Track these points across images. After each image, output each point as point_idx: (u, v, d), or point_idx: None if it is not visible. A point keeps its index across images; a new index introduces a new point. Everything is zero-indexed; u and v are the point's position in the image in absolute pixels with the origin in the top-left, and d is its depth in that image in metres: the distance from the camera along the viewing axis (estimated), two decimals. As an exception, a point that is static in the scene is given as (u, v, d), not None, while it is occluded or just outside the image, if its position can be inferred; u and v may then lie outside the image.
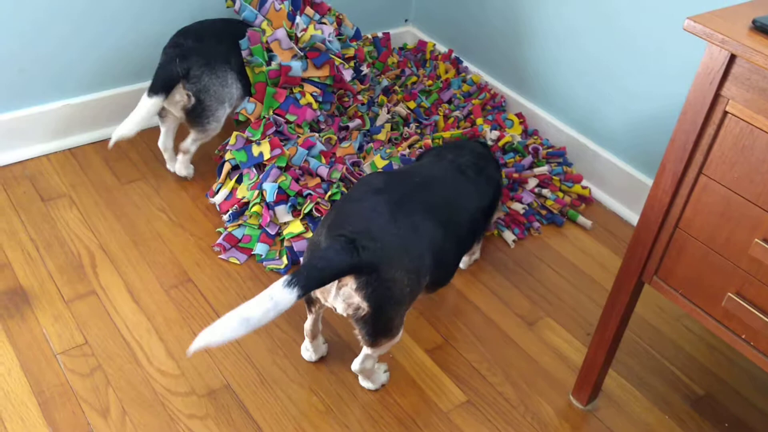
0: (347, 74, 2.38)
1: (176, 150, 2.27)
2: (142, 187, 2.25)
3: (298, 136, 2.24)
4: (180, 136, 2.27)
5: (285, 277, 1.35)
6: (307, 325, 1.71)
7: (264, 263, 2.04)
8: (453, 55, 2.82)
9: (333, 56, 2.33)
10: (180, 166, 2.27)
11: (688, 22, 1.22)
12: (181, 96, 2.10)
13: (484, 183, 1.82)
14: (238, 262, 2.03)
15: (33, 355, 1.73)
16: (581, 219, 2.30)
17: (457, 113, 2.57)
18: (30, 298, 1.87)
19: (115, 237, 2.07)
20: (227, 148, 2.20)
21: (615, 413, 1.76)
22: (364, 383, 1.74)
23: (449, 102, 2.65)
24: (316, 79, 2.31)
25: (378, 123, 2.48)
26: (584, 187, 2.40)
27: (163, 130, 2.25)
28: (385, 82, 2.64)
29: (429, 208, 1.57)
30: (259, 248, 2.05)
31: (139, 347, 1.78)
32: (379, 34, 2.89)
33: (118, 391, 1.67)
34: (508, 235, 2.20)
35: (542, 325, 1.97)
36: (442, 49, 2.88)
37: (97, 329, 1.81)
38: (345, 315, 1.51)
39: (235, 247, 2.07)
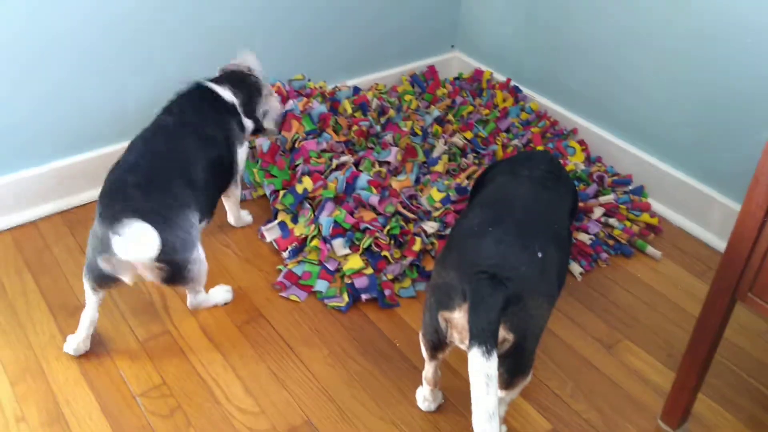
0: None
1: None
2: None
3: (327, 165, 2.27)
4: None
5: (477, 351, 1.29)
6: (429, 373, 1.66)
7: (325, 301, 2.01)
8: (511, 83, 2.79)
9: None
10: (210, 302, 1.97)
11: (782, 31, 1.19)
12: (151, 271, 1.72)
13: (564, 189, 1.78)
14: (298, 300, 2.02)
15: (112, 397, 1.73)
16: (650, 249, 2.23)
17: (516, 142, 2.52)
18: (105, 340, 1.87)
19: (183, 275, 2.07)
20: (275, 206, 2.23)
21: (707, 437, 1.71)
22: None
23: (507, 131, 2.61)
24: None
25: (435, 154, 2.46)
26: (653, 216, 2.33)
27: (92, 301, 1.80)
28: (436, 113, 2.63)
29: (544, 231, 1.54)
30: (319, 285, 2.03)
31: (216, 385, 1.77)
32: (425, 68, 2.91)
33: (200, 431, 1.66)
34: (575, 268, 2.14)
35: (621, 348, 1.92)
36: (499, 78, 2.86)
37: (173, 369, 1.80)
38: None
39: (296, 285, 2.05)
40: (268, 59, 2.52)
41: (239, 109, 2.07)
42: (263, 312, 1.97)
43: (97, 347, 1.85)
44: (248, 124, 2.11)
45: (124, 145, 2.37)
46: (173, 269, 1.72)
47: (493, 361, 1.29)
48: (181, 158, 1.83)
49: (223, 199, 2.15)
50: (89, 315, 1.80)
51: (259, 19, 2.44)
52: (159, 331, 1.90)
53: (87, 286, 1.76)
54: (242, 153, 2.09)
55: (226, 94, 2.05)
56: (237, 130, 2.06)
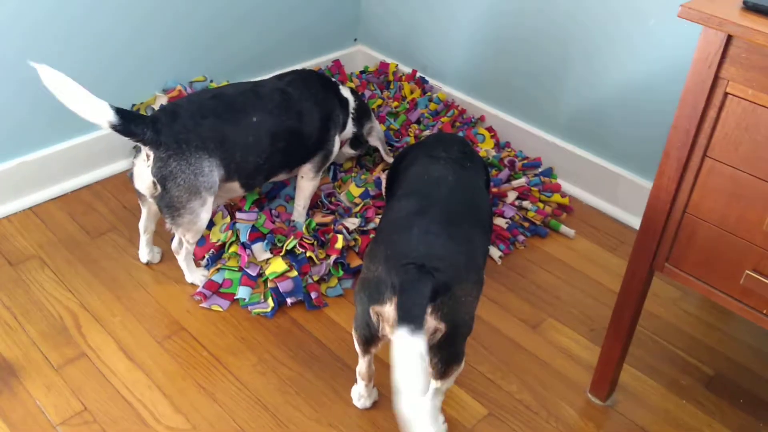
0: None
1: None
2: (114, 238, 2.15)
3: None
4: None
5: (404, 330, 1.26)
6: (363, 368, 1.64)
7: (249, 308, 1.95)
8: (417, 75, 2.80)
9: None
10: (187, 273, 2.00)
11: (682, 9, 1.23)
12: (149, 186, 1.80)
13: (479, 169, 1.82)
14: (221, 309, 1.95)
15: (30, 430, 1.62)
16: (564, 228, 2.28)
17: (427, 132, 2.54)
18: (16, 369, 1.75)
19: (95, 293, 1.96)
20: None
21: (635, 405, 1.76)
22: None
23: (418, 122, 2.62)
24: None
25: (346, 149, 2.44)
26: (563, 196, 2.39)
27: (143, 210, 2.00)
28: None
29: (468, 216, 1.56)
30: (242, 292, 1.97)
31: (143, 406, 1.69)
32: (330, 63, 2.87)
33: (129, 456, 1.58)
34: (494, 252, 2.17)
35: (546, 326, 1.96)
36: (405, 69, 2.86)
37: (94, 393, 1.71)
38: None
39: (217, 294, 1.98)
40: (167, 61, 2.43)
41: (350, 110, 2.22)
42: (184, 325, 1.90)
43: (8, 378, 1.73)
44: (349, 127, 2.24)
45: (36, 155, 2.23)
46: (163, 193, 1.78)
47: (422, 340, 1.27)
48: (226, 110, 1.87)
49: (297, 184, 2.14)
50: (142, 222, 2.00)
51: (156, 20, 2.34)
52: (74, 354, 1.80)
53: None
54: (335, 145, 2.15)
55: (344, 90, 2.22)
56: (339, 120, 2.16)
